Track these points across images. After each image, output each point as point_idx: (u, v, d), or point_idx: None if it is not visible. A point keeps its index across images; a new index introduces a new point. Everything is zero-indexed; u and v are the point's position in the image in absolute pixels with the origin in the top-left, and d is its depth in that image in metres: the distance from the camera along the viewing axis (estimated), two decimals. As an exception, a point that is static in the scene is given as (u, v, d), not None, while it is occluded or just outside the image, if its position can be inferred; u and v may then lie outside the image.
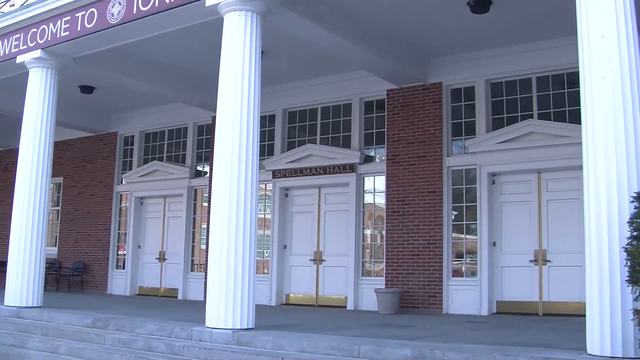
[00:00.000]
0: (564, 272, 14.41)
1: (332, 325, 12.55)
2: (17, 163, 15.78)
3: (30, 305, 14.75)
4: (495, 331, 11.69)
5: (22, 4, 16.21)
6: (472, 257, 15.78)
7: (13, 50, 16.20)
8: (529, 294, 14.90)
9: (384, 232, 16.88)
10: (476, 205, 15.73)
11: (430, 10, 13.70)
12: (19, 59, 15.93)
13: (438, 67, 16.46)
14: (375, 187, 17.55)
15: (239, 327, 10.72)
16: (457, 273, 15.93)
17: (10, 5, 16.67)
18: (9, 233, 15.53)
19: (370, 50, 14.80)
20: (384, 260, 16.67)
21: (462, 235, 16.02)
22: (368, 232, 17.71)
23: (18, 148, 15.90)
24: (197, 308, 13.03)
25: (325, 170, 17.98)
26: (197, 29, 13.62)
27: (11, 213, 15.65)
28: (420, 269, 16.00)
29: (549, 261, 14.70)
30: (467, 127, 16.24)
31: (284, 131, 19.24)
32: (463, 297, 15.53)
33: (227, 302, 10.82)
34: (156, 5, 13.03)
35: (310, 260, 18.11)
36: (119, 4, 13.74)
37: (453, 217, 16.08)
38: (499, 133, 15.49)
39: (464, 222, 16.01)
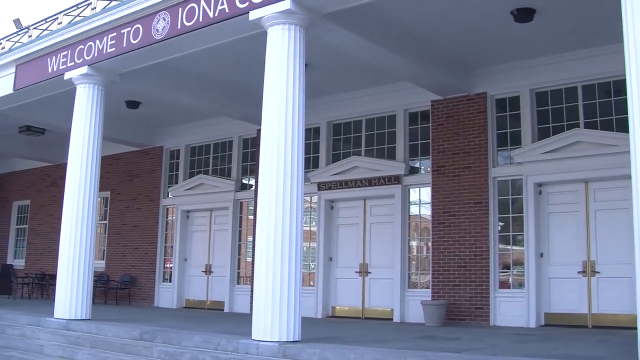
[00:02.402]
0: (613, 283, 14.18)
1: (378, 337, 12.50)
2: (65, 178, 15.99)
3: (79, 318, 14.91)
4: (543, 344, 11.55)
5: (70, 22, 16.45)
6: (519, 269, 15.61)
7: (61, 67, 16.45)
8: (577, 305, 14.70)
9: (429, 244, 16.79)
10: (522, 216, 15.57)
11: (474, 21, 13.63)
12: (67, 75, 16.17)
13: (482, 77, 16.36)
14: (421, 198, 17.48)
15: (285, 340, 10.71)
16: (504, 284, 15.76)
17: (58, 24, 16.90)
18: (58, 247, 15.73)
19: (414, 62, 14.77)
20: (430, 271, 16.57)
21: (509, 247, 15.86)
22: (414, 243, 17.63)
23: (66, 163, 16.11)
24: (243, 321, 13.06)
25: (370, 182, 17.96)
26: (241, 42, 13.72)
27: (60, 227, 15.85)
28: (466, 280, 15.87)
29: (598, 272, 14.50)
30: (512, 137, 16.10)
31: (328, 143, 19.25)
32: (510, 309, 15.36)
33: (273, 315, 10.83)
34: (200, 20, 13.14)
35: (356, 272, 18.07)
36: (164, 19, 13.89)
37: (499, 228, 15.94)
38: (545, 143, 15.34)
39: (511, 233, 15.85)
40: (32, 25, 18.49)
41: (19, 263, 28.90)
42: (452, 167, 16.49)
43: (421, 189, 17.42)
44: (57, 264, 15.70)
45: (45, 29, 17.53)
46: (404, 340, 12.05)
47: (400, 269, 17.13)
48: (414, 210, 17.60)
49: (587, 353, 9.86)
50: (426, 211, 17.24)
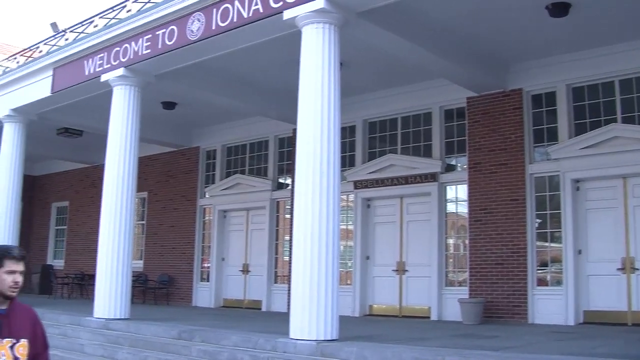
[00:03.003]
0: (653, 280, 14.06)
1: (415, 335, 12.49)
2: (103, 179, 16.15)
3: (118, 318, 15.08)
4: (582, 342, 11.46)
5: (105, 24, 16.60)
6: (557, 266, 15.48)
7: (97, 69, 16.62)
8: (616, 303, 14.52)
9: (466, 242, 16.71)
10: (560, 213, 15.43)
11: (508, 17, 13.55)
12: (103, 77, 16.34)
13: (518, 74, 16.24)
14: (457, 195, 17.41)
15: (323, 339, 10.75)
16: (542, 282, 15.64)
17: (94, 26, 17.06)
18: (97, 247, 15.89)
19: (449, 59, 14.73)
20: (468, 269, 16.50)
21: (547, 244, 15.74)
22: (451, 241, 17.57)
23: (104, 164, 16.26)
24: (281, 319, 13.11)
25: (406, 180, 17.91)
26: (276, 42, 13.76)
27: (98, 228, 16.01)
28: (504, 278, 15.77)
29: (637, 269, 14.33)
30: (549, 133, 15.96)
31: (364, 142, 19.24)
32: (548, 306, 15.22)
33: (310, 314, 10.86)
34: (234, 20, 13.20)
35: (393, 270, 18.04)
36: (198, 20, 13.97)
37: (537, 225, 15.81)
38: (582, 138, 15.20)
39: (548, 230, 15.73)
40: (68, 28, 18.70)
41: (59, 263, 29.23)
42: (488, 164, 16.40)
43: (457, 186, 17.35)
44: (96, 264, 15.88)
45: (82, 32, 17.71)
46: (442, 338, 12.03)
47: (438, 267, 17.07)
48: (450, 207, 17.53)
49: (627, 352, 9.78)
50: (463, 209, 17.16)
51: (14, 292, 4.42)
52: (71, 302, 23.23)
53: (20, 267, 4.45)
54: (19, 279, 4.42)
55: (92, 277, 18.11)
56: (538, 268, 15.67)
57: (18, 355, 4.36)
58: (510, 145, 16.12)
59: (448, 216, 17.53)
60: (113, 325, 14.62)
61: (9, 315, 4.41)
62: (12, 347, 4.35)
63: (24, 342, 4.42)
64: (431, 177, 17.45)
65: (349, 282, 18.64)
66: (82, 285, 25.49)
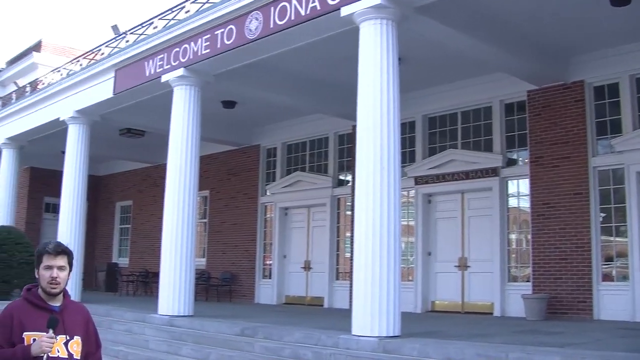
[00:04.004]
0: None
1: (478, 332, 12.40)
2: (165, 178, 16.34)
3: (182, 314, 15.29)
4: (649, 338, 11.26)
5: (165, 25, 16.78)
6: (622, 261, 15.19)
7: (158, 70, 16.83)
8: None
9: (529, 237, 16.51)
10: (625, 206, 15.15)
11: (568, 7, 13.33)
12: (164, 78, 16.54)
13: (579, 65, 15.96)
14: (519, 190, 17.22)
15: (385, 335, 10.74)
16: (607, 277, 15.34)
17: (154, 28, 17.27)
18: (160, 246, 16.10)
19: (508, 51, 14.58)
20: (531, 265, 16.29)
21: (612, 238, 15.44)
22: (513, 236, 17.39)
23: (166, 164, 16.46)
24: (343, 316, 13.12)
25: (467, 175, 17.79)
26: (333, 39, 13.77)
27: (161, 226, 16.20)
28: (568, 273, 15.53)
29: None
30: (612, 126, 15.65)
31: (424, 137, 19.14)
32: (614, 302, 14.91)
33: (372, 310, 10.86)
34: (292, 18, 13.25)
35: (455, 266, 17.92)
36: (256, 19, 14.05)
37: (601, 219, 15.51)
38: (647, 130, 14.92)
39: (613, 224, 15.43)
40: (129, 30, 18.96)
41: (123, 261, 29.73)
42: (550, 158, 16.17)
43: (519, 180, 17.15)
44: (159, 262, 16.09)
45: (142, 34, 17.94)
46: (505, 334, 11.93)
47: (500, 263, 16.90)
48: (512, 202, 17.36)
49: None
50: (525, 203, 16.97)
51: (54, 288, 4.43)
52: (136, 299, 23.57)
53: (57, 262, 4.44)
54: (57, 274, 4.41)
55: (156, 274, 18.40)
56: (603, 263, 15.38)
57: (72, 352, 4.42)
58: (573, 138, 15.87)
59: (510, 211, 17.35)
60: (177, 322, 14.81)
61: (63, 312, 4.47)
62: (66, 344, 4.41)
63: (77, 339, 4.48)
64: (492, 172, 17.29)
65: (410, 278, 18.57)
66: (146, 282, 25.88)
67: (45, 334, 4.23)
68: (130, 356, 12.92)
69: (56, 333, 4.29)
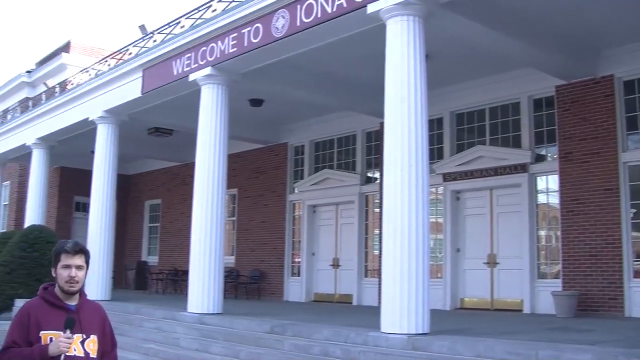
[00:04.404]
0: None
1: (507, 329, 12.34)
2: (194, 177, 16.41)
3: (211, 312, 15.36)
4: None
5: (192, 25, 16.85)
6: (654, 257, 15.05)
7: (185, 69, 16.91)
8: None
9: (558, 233, 16.39)
10: (656, 202, 15.00)
11: (598, 1, 13.22)
12: (191, 77, 16.61)
13: (608, 60, 15.80)
14: (548, 186, 17.09)
15: (414, 332, 10.71)
16: (638, 274, 15.17)
17: (181, 27, 17.34)
18: (189, 244, 16.17)
19: (536, 47, 14.47)
20: (560, 261, 16.18)
21: (643, 234, 15.32)
22: (542, 233, 17.27)
23: (194, 162, 16.53)
24: (372, 313, 13.12)
25: (496, 172, 17.69)
26: (360, 36, 13.75)
27: (190, 224, 16.28)
28: (598, 270, 15.39)
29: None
30: (643, 121, 15.54)
31: (452, 134, 19.08)
32: (646, 299, 14.83)
33: (401, 307, 10.84)
34: (319, 16, 13.25)
35: (484, 263, 17.84)
36: (283, 17, 14.06)
37: (632, 215, 15.36)
38: (679, 125, 14.76)
39: (644, 220, 15.31)
40: (156, 30, 19.06)
41: (153, 260, 29.92)
42: (579, 154, 16.04)
43: (548, 176, 17.04)
44: (188, 260, 16.16)
45: (169, 33, 18.02)
46: (535, 332, 11.86)
47: (529, 259, 16.79)
48: (541, 198, 17.24)
49: None
50: (554, 199, 16.85)
51: (72, 287, 4.46)
52: (165, 297, 23.70)
53: (75, 261, 4.47)
54: (74, 273, 4.45)
55: (185, 273, 18.47)
56: (634, 260, 15.23)
57: (88, 351, 4.46)
58: (602, 133, 15.73)
59: (539, 207, 17.23)
60: (207, 320, 14.88)
61: (79, 311, 4.51)
62: (82, 342, 4.44)
63: (93, 337, 4.52)
64: (521, 168, 17.19)
65: (439, 275, 18.52)
66: (175, 280, 25.99)
67: (62, 333, 4.28)
68: (161, 354, 13.03)
69: (73, 332, 4.34)
